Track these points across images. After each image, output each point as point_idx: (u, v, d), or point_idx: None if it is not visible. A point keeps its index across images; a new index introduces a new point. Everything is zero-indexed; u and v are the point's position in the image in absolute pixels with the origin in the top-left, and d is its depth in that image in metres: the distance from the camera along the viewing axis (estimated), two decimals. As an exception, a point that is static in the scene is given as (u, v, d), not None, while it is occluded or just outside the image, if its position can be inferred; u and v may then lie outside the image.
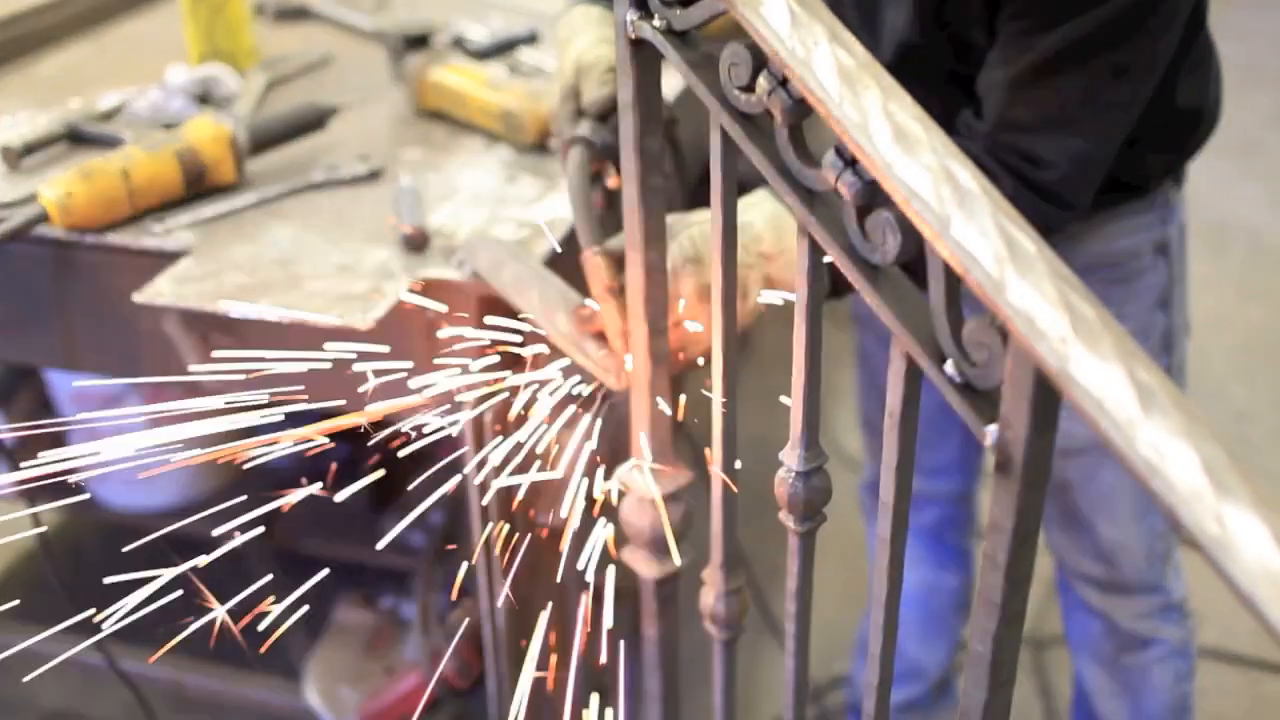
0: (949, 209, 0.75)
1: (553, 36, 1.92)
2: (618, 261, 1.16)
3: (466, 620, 1.70)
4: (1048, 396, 0.75)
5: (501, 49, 1.95)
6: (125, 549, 2.46)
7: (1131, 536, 1.68)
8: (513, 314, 1.32)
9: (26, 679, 1.75)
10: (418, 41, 1.85)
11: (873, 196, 0.83)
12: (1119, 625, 1.75)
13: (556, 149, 1.35)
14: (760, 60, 0.87)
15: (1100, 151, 1.29)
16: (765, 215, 1.24)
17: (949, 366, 0.81)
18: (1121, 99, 1.28)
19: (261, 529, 2.07)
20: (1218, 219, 4.15)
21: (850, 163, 0.82)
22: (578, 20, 1.40)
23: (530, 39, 1.97)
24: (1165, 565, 1.73)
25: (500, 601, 1.50)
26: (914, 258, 0.82)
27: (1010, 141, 1.26)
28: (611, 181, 1.35)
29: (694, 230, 1.22)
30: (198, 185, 1.54)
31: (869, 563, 2.14)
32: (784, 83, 0.86)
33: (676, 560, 1.21)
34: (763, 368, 2.95)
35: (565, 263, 1.43)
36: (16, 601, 1.89)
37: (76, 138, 1.71)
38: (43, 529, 1.67)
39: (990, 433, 0.79)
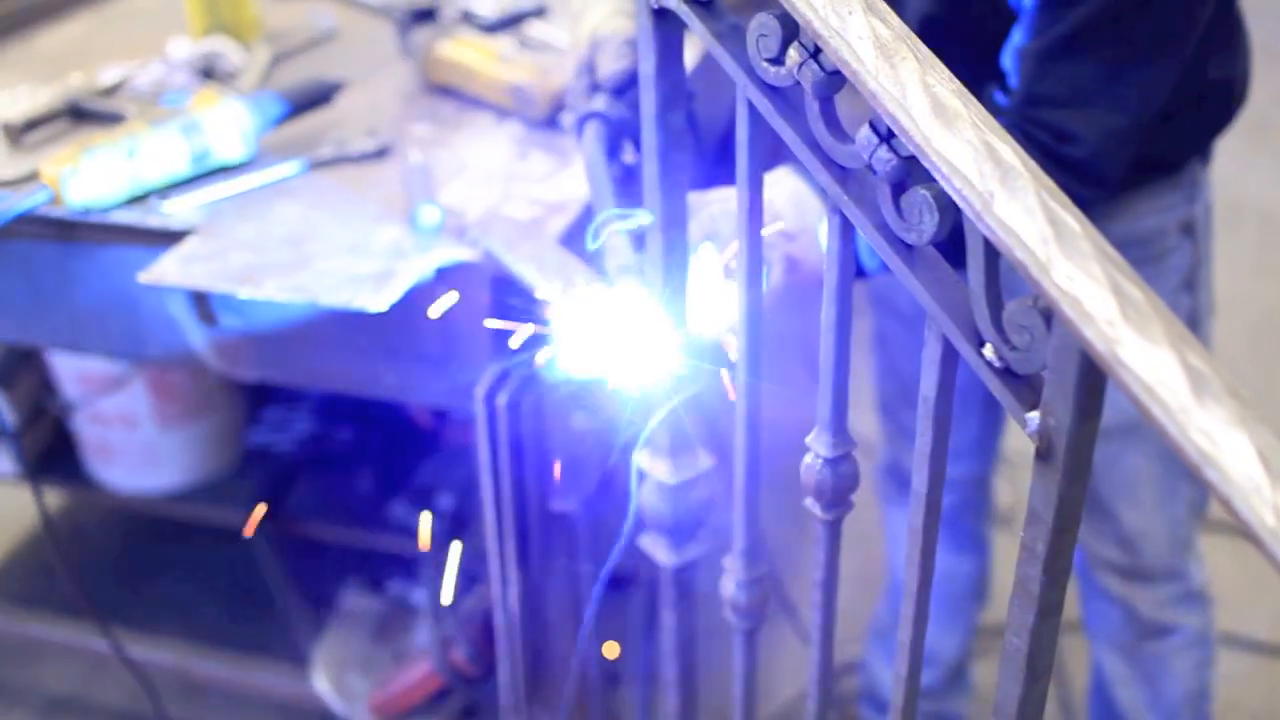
0: (991, 186, 0.71)
1: (562, 9, 1.88)
2: (636, 239, 1.13)
3: (478, 607, 1.67)
4: (1093, 382, 0.72)
5: (510, 22, 1.91)
6: (130, 533, 2.44)
7: (1154, 523, 1.65)
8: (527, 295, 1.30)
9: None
10: (424, 15, 1.81)
11: (909, 173, 0.79)
12: (1139, 613, 1.72)
13: (569, 125, 1.31)
14: (791, 31, 0.84)
15: (1132, 127, 1.25)
16: (786, 193, 1.21)
17: (988, 350, 0.78)
18: (1155, 72, 1.24)
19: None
20: (1230, 198, 4.10)
21: (886, 138, 0.79)
22: None
23: (539, 12, 1.93)
24: (1187, 552, 1.71)
25: (513, 588, 1.47)
26: (944, 237, 0.79)
27: (1039, 116, 1.23)
28: (628, 157, 1.31)
29: (714, 208, 1.19)
30: (203, 162, 1.50)
31: (886, 547, 2.12)
32: (816, 54, 0.83)
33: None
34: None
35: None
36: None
37: (78, 114, 1.68)
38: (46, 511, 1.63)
39: (1031, 420, 0.76)
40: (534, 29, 1.89)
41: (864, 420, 2.66)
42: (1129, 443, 1.58)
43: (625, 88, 1.26)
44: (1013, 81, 1.27)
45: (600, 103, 1.26)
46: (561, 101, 1.63)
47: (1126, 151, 1.27)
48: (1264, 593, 2.29)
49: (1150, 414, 0.65)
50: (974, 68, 1.36)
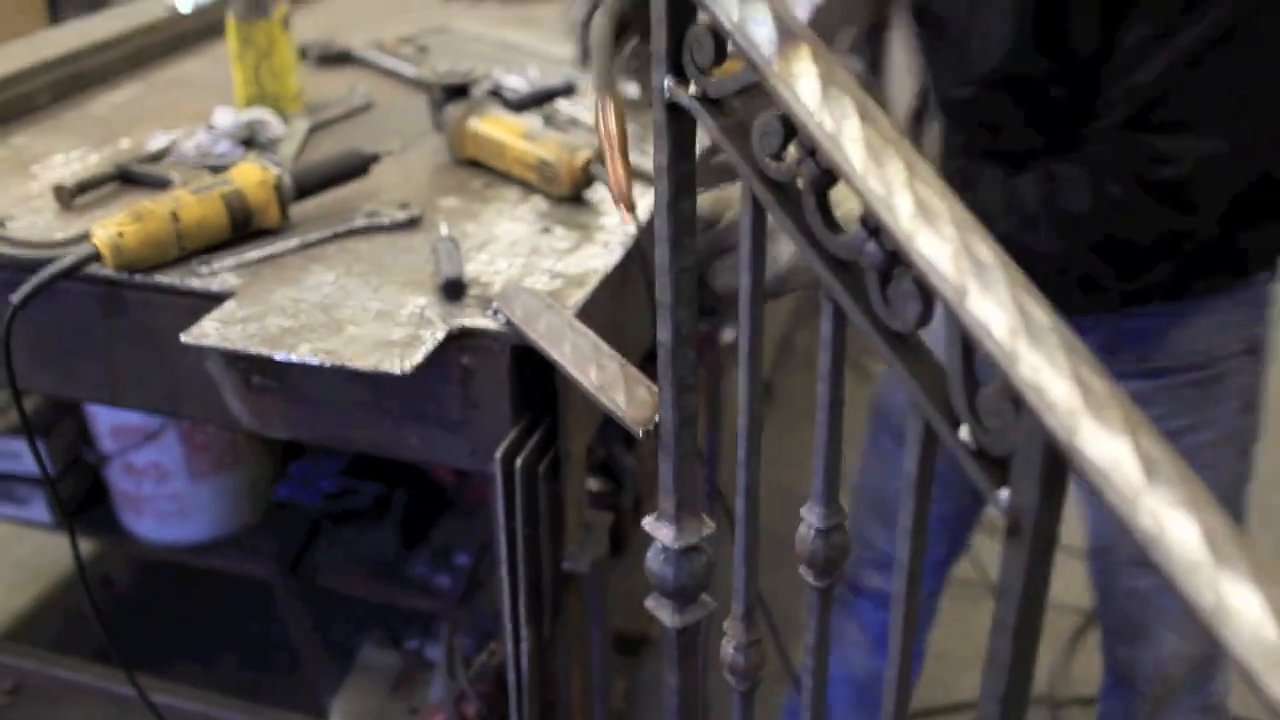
0: (966, 281, 0.78)
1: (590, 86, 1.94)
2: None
3: (492, 663, 1.72)
4: (1057, 465, 0.78)
5: (539, 100, 1.98)
6: (156, 581, 2.50)
7: (1191, 642, 1.67)
8: (545, 364, 1.36)
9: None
10: (458, 91, 1.88)
11: (894, 266, 0.86)
12: None
13: (575, 20, 1.38)
14: (791, 131, 0.91)
15: (1234, 151, 1.26)
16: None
17: (964, 432, 0.83)
18: (1256, 106, 1.27)
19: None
20: None
21: (874, 233, 0.85)
22: None
23: (567, 90, 2.01)
24: (1214, 665, 1.72)
25: (525, 645, 1.52)
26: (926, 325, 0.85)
27: (1136, 141, 1.26)
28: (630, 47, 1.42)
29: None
30: (243, 228, 1.58)
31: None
32: (812, 154, 0.89)
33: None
34: (794, 421, 2.98)
35: (598, 314, 1.47)
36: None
37: (127, 178, 1.77)
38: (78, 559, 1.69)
39: (1002, 497, 0.81)
40: (562, 106, 1.97)
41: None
42: None
43: None
44: (1107, 108, 1.30)
45: None
46: (585, 179, 1.70)
47: (1225, 182, 1.28)
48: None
49: (1104, 497, 0.70)
50: (1051, 104, 1.39)
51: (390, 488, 2.25)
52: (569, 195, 1.70)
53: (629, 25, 1.37)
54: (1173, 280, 1.42)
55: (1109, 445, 0.71)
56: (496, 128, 1.80)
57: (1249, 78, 1.26)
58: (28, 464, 2.23)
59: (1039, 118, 1.41)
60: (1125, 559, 1.65)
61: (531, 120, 1.85)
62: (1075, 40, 1.34)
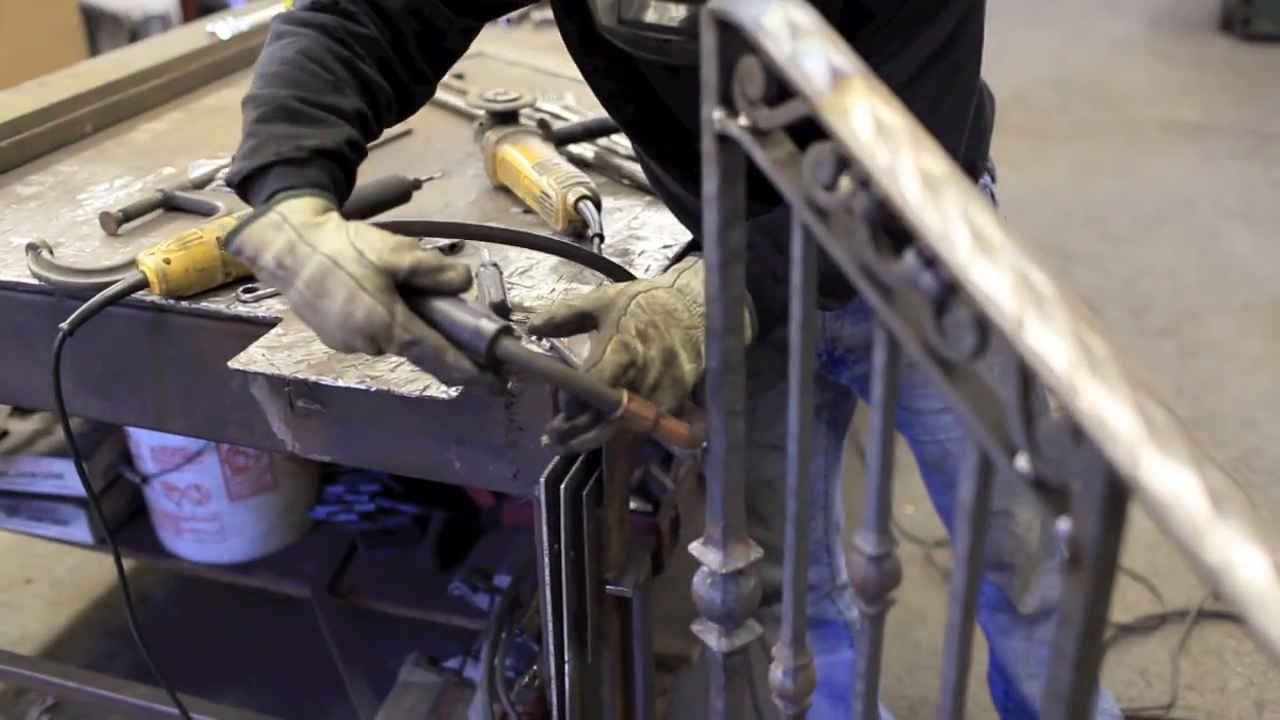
0: (1024, 313, 0.78)
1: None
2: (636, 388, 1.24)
3: (534, 684, 1.73)
4: (1118, 495, 0.78)
5: (592, 133, 1.94)
6: (195, 599, 2.51)
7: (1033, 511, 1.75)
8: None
9: None
10: (505, 117, 1.86)
11: (949, 297, 0.86)
12: (1025, 604, 1.82)
13: (425, 361, 1.18)
14: (843, 162, 0.91)
15: (960, 139, 1.43)
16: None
17: (1021, 461, 0.84)
18: (970, 90, 1.43)
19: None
20: (1277, 298, 4.14)
21: (929, 263, 0.86)
22: (299, 217, 1.19)
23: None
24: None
25: (569, 666, 1.53)
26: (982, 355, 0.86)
27: None
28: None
29: (640, 299, 1.27)
30: (287, 254, 1.60)
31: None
32: (866, 185, 0.90)
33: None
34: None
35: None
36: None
37: (171, 205, 1.79)
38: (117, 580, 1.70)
39: (1062, 526, 0.82)
40: (619, 139, 1.93)
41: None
42: None
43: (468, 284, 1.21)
44: None
45: (485, 322, 1.17)
46: (578, 218, 1.67)
47: (958, 159, 1.43)
48: None
49: (1168, 529, 0.71)
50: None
51: (427, 509, 2.27)
52: (564, 232, 1.69)
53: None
54: None
55: (1174, 477, 0.71)
56: (520, 155, 1.78)
57: (958, 78, 1.40)
58: (70, 485, 2.26)
59: None
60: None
61: (547, 150, 1.81)
62: None
